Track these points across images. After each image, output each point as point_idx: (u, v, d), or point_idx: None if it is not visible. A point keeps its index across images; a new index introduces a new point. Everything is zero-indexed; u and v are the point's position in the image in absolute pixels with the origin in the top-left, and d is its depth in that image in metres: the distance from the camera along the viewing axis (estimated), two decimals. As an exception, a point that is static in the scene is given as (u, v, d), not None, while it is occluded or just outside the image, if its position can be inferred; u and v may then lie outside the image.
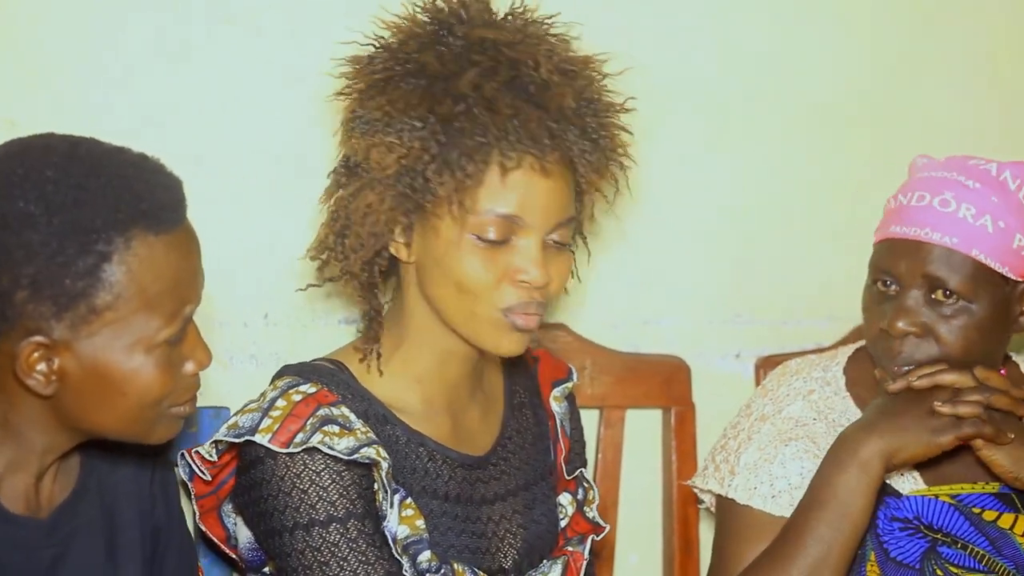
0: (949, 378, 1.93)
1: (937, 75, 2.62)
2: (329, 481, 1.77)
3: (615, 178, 1.91)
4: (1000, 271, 1.95)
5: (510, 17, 1.86)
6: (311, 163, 2.28)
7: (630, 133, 1.90)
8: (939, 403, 1.91)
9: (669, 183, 2.46)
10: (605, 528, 2.07)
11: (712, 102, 2.51)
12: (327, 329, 2.33)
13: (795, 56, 2.55)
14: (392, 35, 1.86)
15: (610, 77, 1.89)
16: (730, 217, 2.55)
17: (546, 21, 1.88)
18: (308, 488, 1.77)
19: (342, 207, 1.85)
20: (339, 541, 1.76)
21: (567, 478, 2.06)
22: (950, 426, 1.91)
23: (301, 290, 1.96)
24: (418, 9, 1.87)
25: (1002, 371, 2.05)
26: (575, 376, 2.13)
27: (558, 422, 2.06)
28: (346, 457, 1.76)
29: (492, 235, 1.78)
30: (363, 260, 1.84)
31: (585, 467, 2.13)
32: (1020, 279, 1.97)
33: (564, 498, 2.04)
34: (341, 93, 1.87)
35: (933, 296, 1.95)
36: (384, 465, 1.78)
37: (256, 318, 2.31)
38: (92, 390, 1.55)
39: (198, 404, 2.07)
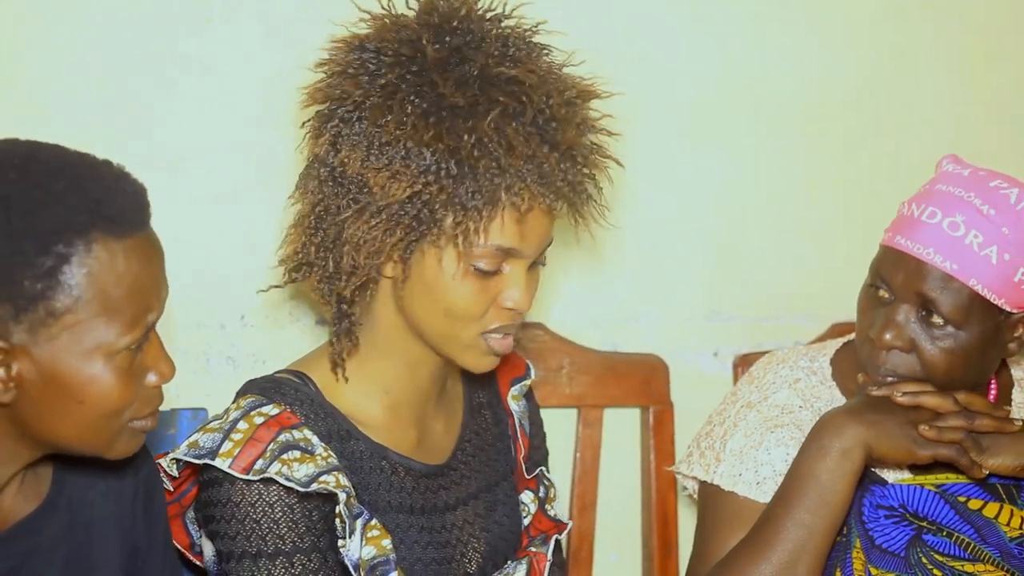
0: (931, 401, 1.94)
1: (918, 73, 2.63)
2: (280, 514, 1.77)
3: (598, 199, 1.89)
4: (996, 303, 1.94)
5: (514, 39, 1.81)
6: (291, 165, 2.27)
7: (621, 165, 1.89)
8: (924, 427, 1.91)
9: (648, 182, 2.46)
10: (567, 525, 2.07)
11: (691, 101, 2.52)
12: (304, 330, 2.33)
13: (776, 55, 2.56)
14: (387, 37, 1.79)
15: (602, 100, 1.87)
16: (709, 215, 2.56)
17: (543, 48, 1.84)
18: (260, 519, 1.77)
19: (332, 225, 1.81)
20: (282, 575, 1.77)
21: (527, 477, 2.06)
22: (931, 445, 1.92)
23: (263, 291, 1.93)
24: (412, 11, 1.82)
25: (992, 380, 2.07)
26: (532, 373, 2.13)
27: (516, 421, 2.06)
28: (302, 489, 1.76)
29: (489, 266, 1.78)
30: (356, 285, 1.82)
31: (546, 460, 2.13)
32: (1015, 311, 1.96)
33: (526, 496, 2.04)
34: (321, 91, 1.81)
35: (923, 314, 1.95)
36: (342, 496, 1.78)
37: (233, 320, 2.31)
38: (50, 397, 1.52)
39: (177, 405, 2.09)
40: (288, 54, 2.27)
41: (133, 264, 1.52)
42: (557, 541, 2.03)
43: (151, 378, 1.59)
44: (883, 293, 1.98)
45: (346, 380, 1.87)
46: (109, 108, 2.21)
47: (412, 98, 1.74)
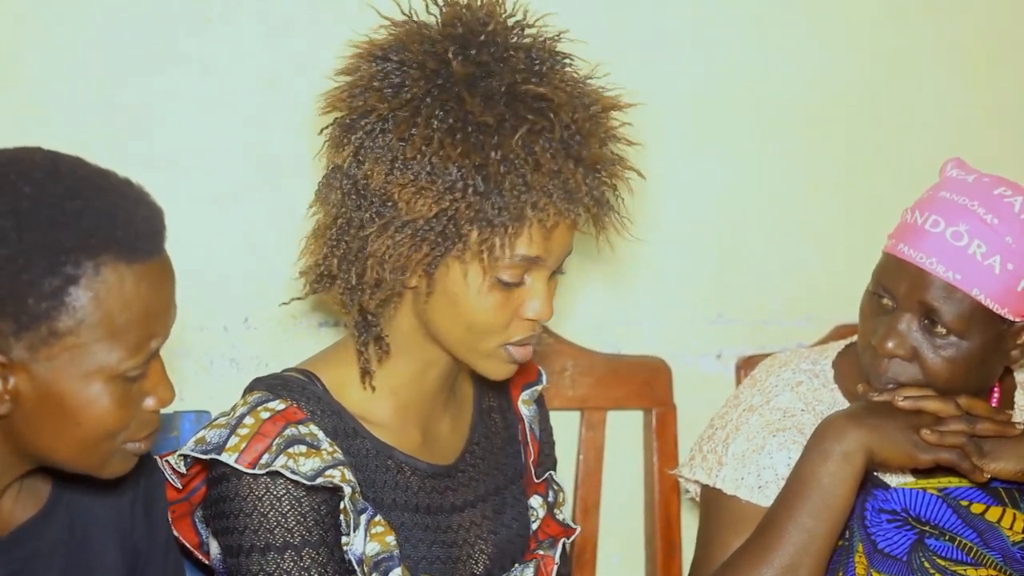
0: (933, 406, 1.93)
1: (920, 76, 2.63)
2: (288, 507, 1.77)
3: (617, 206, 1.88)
4: (999, 312, 1.94)
5: (537, 51, 1.79)
6: (292, 165, 2.27)
7: (643, 176, 1.88)
8: (926, 431, 1.91)
9: (650, 184, 2.45)
10: (575, 530, 2.07)
11: (693, 105, 2.51)
12: (307, 333, 2.32)
13: (778, 58, 2.56)
14: (411, 48, 1.76)
15: (625, 112, 1.85)
16: (711, 218, 2.55)
17: (566, 57, 1.82)
18: (268, 512, 1.77)
19: (356, 239, 1.79)
20: (292, 569, 1.76)
21: (536, 481, 2.05)
22: (932, 449, 1.92)
23: (285, 304, 1.92)
24: (434, 16, 1.80)
25: (995, 386, 2.07)
26: (544, 378, 2.12)
27: (527, 425, 2.05)
28: (308, 482, 1.76)
29: (513, 278, 1.77)
30: (381, 299, 1.80)
31: (555, 468, 2.13)
32: (1018, 319, 1.96)
33: (535, 501, 2.04)
34: (342, 100, 1.79)
35: (926, 323, 1.95)
36: (347, 489, 1.78)
37: (236, 322, 2.30)
38: (46, 415, 1.50)
39: (179, 408, 2.07)
40: (288, 54, 2.28)
41: (142, 290, 1.51)
42: (564, 545, 2.02)
43: (149, 402, 1.57)
44: (886, 301, 1.97)
45: (373, 389, 1.86)
46: (109, 108, 2.20)
47: (438, 113, 1.72)
